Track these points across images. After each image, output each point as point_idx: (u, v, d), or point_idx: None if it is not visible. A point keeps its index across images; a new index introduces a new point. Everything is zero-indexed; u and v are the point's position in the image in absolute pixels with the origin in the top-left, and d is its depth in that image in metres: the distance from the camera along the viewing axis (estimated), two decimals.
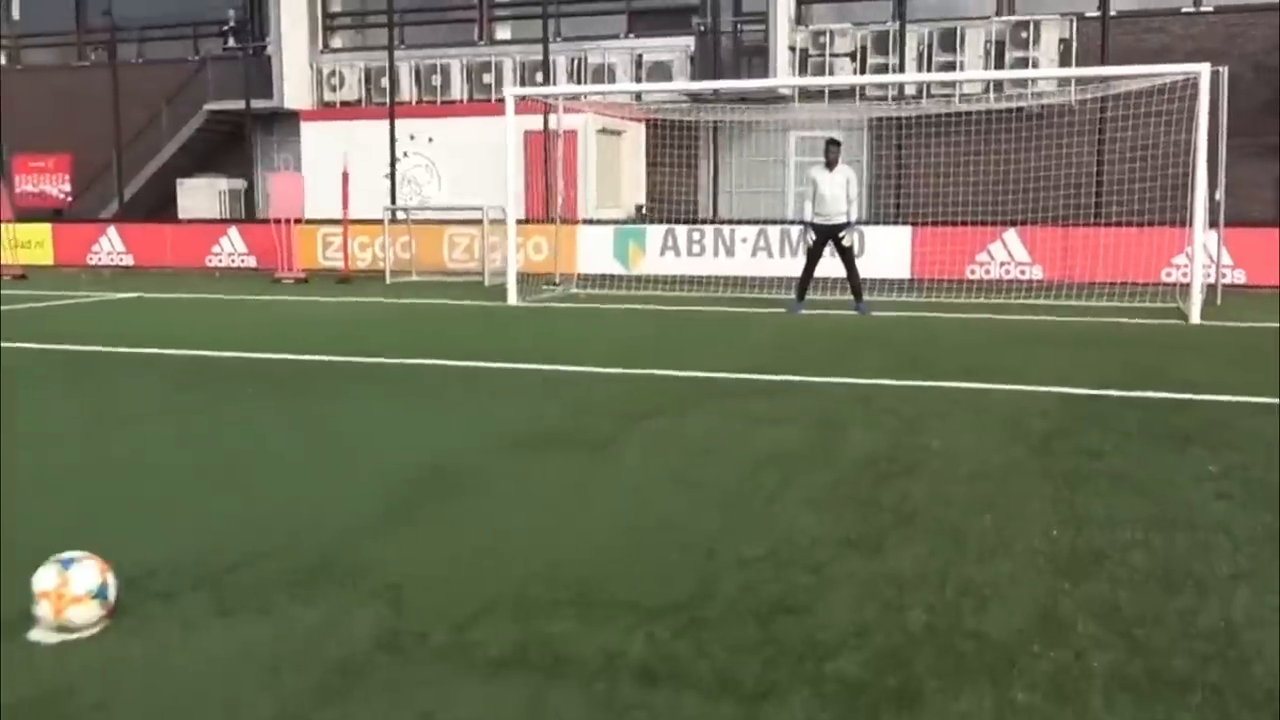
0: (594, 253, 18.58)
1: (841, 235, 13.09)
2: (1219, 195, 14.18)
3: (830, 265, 13.65)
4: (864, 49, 21.74)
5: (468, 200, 19.71)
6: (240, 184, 26.89)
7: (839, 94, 21.31)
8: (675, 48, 23.57)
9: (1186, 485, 5.05)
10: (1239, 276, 16.11)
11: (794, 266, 14.80)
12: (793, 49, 22.28)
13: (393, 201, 20.66)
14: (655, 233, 18.60)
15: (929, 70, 20.82)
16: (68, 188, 28.26)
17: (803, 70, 22.05)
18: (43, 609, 3.26)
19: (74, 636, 3.26)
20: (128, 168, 26.52)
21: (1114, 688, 2.93)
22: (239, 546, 4.12)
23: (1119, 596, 3.61)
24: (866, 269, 14.41)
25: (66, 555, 3.34)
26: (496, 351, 9.81)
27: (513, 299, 14.69)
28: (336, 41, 26.88)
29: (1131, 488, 4.99)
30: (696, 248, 18.22)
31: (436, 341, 10.94)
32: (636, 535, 4.35)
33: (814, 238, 13.19)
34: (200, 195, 26.01)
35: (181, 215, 25.04)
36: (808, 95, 21.56)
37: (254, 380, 8.29)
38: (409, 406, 7.26)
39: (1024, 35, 20.83)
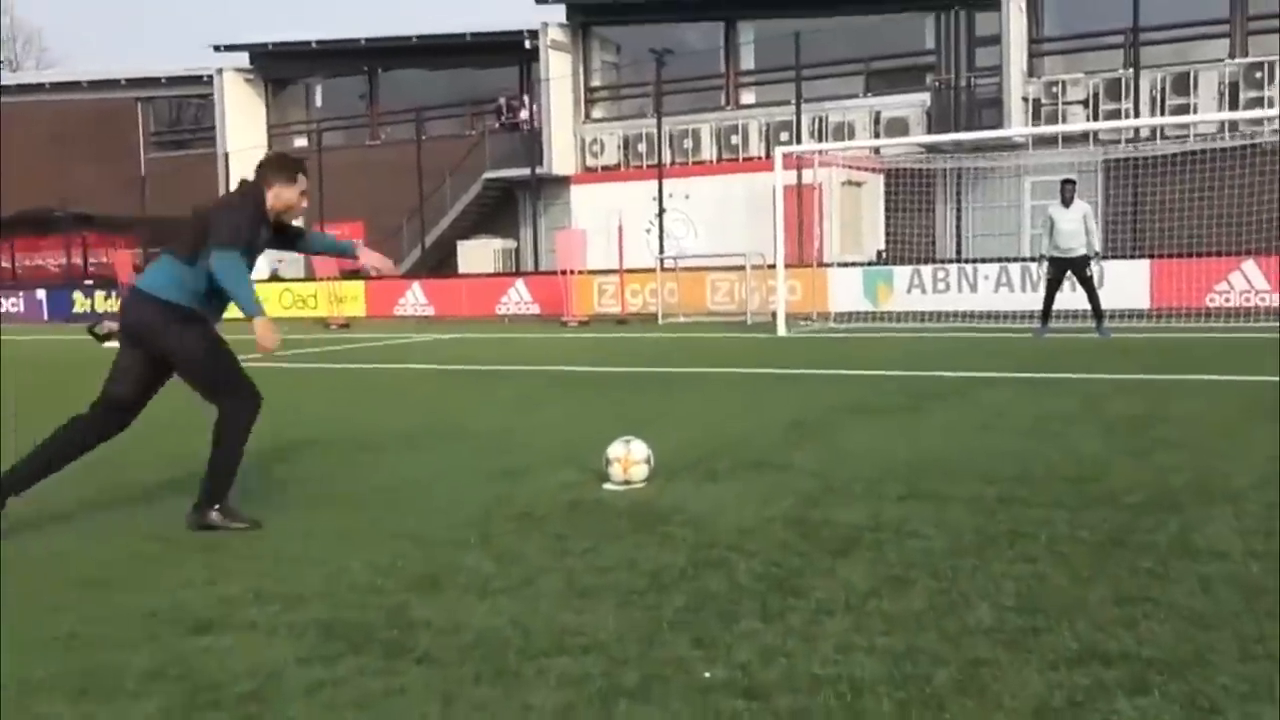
0: (844, 292, 20.39)
1: (1085, 268, 14.48)
2: None
3: (1072, 297, 15.03)
4: (1096, 96, 22.95)
5: (721, 249, 21.95)
6: (511, 243, 30.11)
7: (1072, 139, 22.53)
8: (911, 103, 25.34)
9: None
10: None
11: (1035, 300, 16.28)
12: (1025, 100, 23.71)
13: (661, 252, 23.07)
14: (902, 272, 20.28)
15: (1162, 113, 21.86)
16: None
17: (1035, 119, 23.42)
18: (614, 469, 5.34)
19: (631, 488, 5.31)
20: (412, 231, 30.16)
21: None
22: (700, 451, 6.16)
23: None
24: (1105, 301, 15.59)
25: (626, 436, 5.43)
26: (791, 362, 11.81)
27: (781, 330, 16.67)
28: (597, 113, 29.82)
29: None
30: (941, 285, 19.78)
31: (742, 358, 12.92)
32: (931, 452, 6.18)
33: (1051, 270, 14.65)
34: (478, 254, 29.28)
35: (462, 271, 28.29)
36: (1041, 142, 22.86)
37: (621, 383, 10.51)
38: (753, 391, 9.30)
39: (1258, 75, 21.64)
